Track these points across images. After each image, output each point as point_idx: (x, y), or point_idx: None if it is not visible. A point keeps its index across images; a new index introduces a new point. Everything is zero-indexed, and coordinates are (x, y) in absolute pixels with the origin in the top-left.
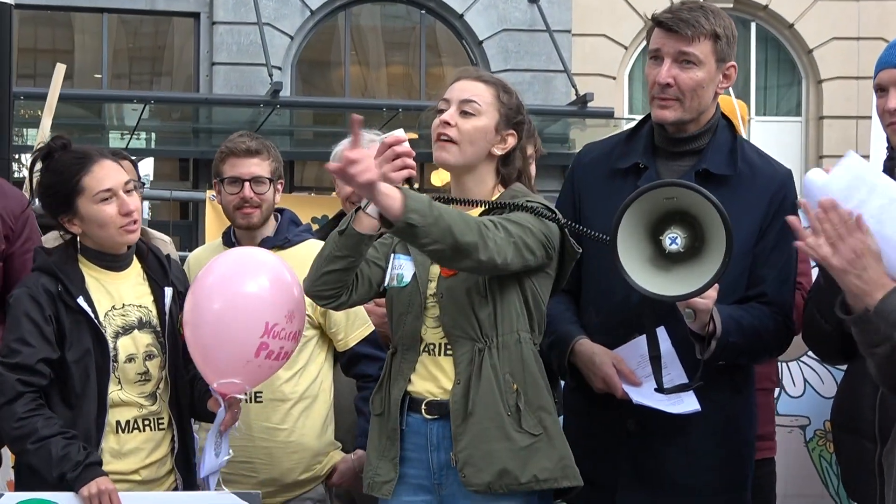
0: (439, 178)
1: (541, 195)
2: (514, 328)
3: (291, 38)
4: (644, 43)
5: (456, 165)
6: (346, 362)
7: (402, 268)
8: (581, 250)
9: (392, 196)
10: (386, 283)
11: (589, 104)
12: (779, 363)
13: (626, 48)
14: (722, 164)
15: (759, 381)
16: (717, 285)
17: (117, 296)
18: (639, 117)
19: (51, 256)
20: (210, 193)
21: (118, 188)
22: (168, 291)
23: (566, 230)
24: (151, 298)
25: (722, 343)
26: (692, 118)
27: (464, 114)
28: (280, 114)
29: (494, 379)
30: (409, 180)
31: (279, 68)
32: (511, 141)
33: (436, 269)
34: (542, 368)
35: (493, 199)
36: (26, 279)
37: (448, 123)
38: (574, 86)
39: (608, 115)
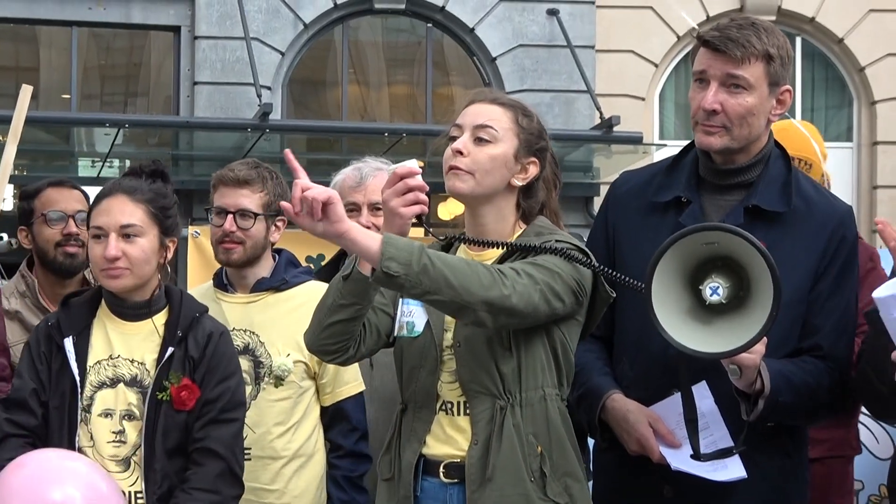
0: (447, 210)
1: (567, 231)
2: (540, 383)
3: (282, 54)
4: (676, 60)
5: (471, 196)
6: (328, 420)
7: (413, 315)
8: (615, 295)
9: (366, 243)
10: (395, 333)
11: (615, 128)
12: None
13: (656, 66)
14: (774, 199)
15: (838, 448)
16: (765, 339)
17: (118, 346)
18: (670, 143)
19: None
20: (192, 230)
21: (111, 228)
22: (169, 351)
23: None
24: (154, 357)
25: (770, 403)
26: (740, 147)
27: (479, 141)
28: (270, 139)
29: (517, 440)
30: (420, 217)
31: (269, 88)
32: (533, 170)
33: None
34: (571, 429)
35: (515, 237)
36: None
37: (460, 153)
38: (598, 108)
39: (636, 140)
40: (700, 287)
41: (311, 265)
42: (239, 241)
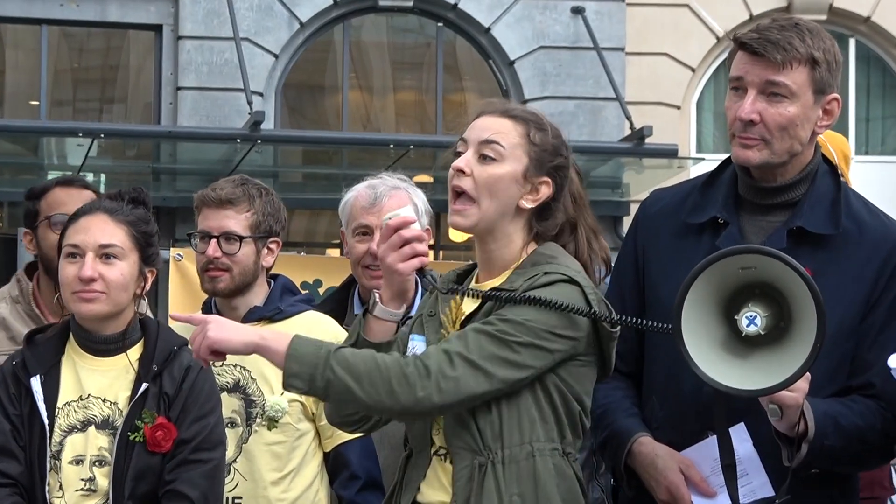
0: (458, 233)
1: (576, 261)
2: (527, 438)
3: (276, 56)
4: (716, 64)
5: (474, 227)
6: (330, 468)
7: (416, 350)
8: (617, 332)
9: (274, 359)
10: None
11: (647, 140)
12: (892, 467)
13: (693, 70)
14: (821, 220)
15: (868, 489)
16: (808, 375)
17: (88, 385)
18: (709, 157)
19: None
20: (175, 252)
21: (88, 247)
22: (143, 387)
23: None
24: (128, 395)
25: (815, 447)
26: (782, 162)
27: (483, 158)
28: (261, 151)
29: (498, 502)
30: (422, 270)
31: (260, 94)
32: (545, 191)
33: None
34: (573, 487)
35: (517, 265)
36: None
37: (462, 172)
38: (628, 117)
39: (671, 153)
40: (735, 317)
41: (308, 292)
42: (225, 267)
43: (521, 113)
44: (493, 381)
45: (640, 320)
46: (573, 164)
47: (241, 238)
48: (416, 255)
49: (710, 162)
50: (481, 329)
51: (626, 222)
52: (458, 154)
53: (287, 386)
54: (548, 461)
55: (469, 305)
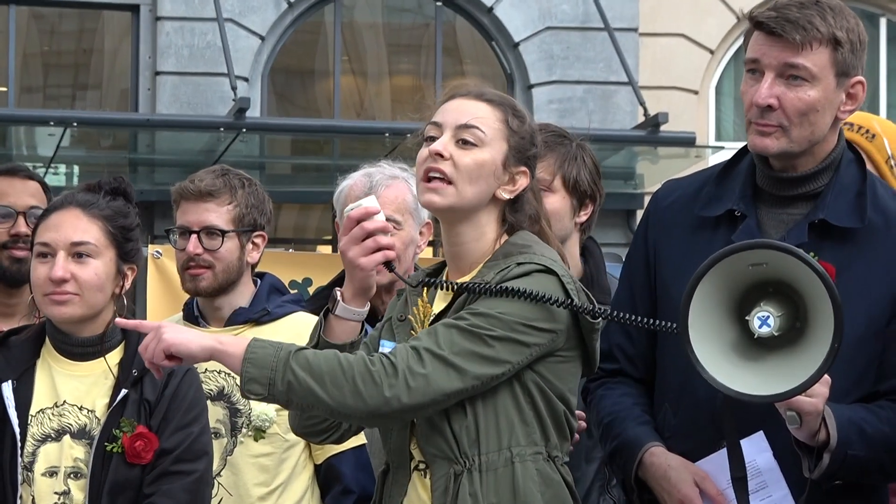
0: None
1: (553, 249)
2: (506, 443)
3: (262, 38)
4: (735, 46)
5: (449, 210)
6: (321, 481)
7: None
8: (599, 325)
9: (231, 362)
10: None
11: (662, 127)
12: None
13: (711, 52)
14: (845, 212)
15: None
16: (828, 379)
17: (64, 392)
18: (729, 145)
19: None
20: (153, 249)
21: (59, 245)
22: (122, 393)
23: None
24: (106, 402)
25: (838, 457)
26: (802, 151)
27: (462, 143)
28: (247, 140)
29: None
30: (389, 263)
31: (245, 79)
32: (522, 181)
33: None
34: (560, 493)
35: (492, 254)
36: None
37: (441, 155)
38: (642, 103)
39: (688, 142)
40: (747, 317)
41: (297, 291)
42: (207, 264)
43: (497, 98)
44: (465, 379)
45: (631, 317)
46: (590, 155)
47: (223, 232)
48: (379, 248)
49: (730, 151)
50: (452, 324)
51: (640, 216)
52: (430, 139)
53: (245, 392)
54: (529, 467)
55: (439, 304)
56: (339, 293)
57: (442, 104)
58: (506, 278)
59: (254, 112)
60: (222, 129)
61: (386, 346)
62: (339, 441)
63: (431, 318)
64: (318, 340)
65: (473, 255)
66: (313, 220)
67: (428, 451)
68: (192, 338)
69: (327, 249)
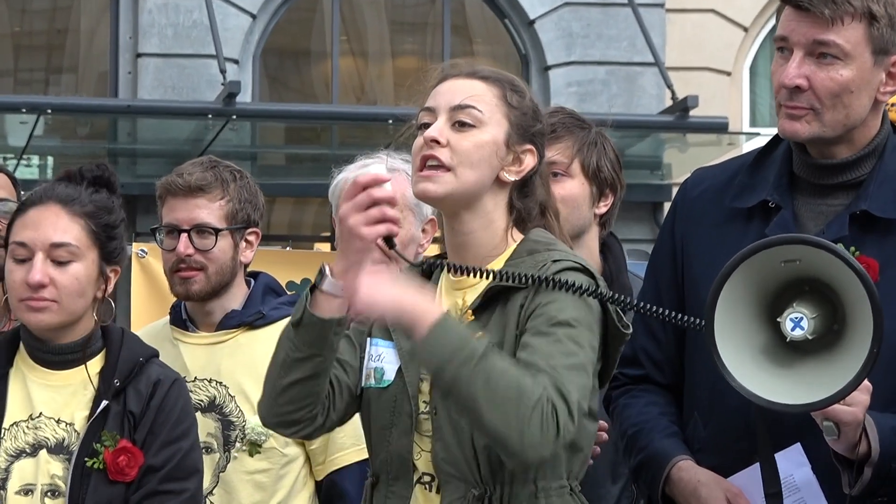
0: None
1: (567, 245)
2: (531, 475)
3: (254, 17)
4: (772, 22)
5: (447, 197)
6: (323, 499)
7: (383, 359)
8: (630, 330)
9: (415, 318)
10: (362, 382)
11: (691, 112)
12: None
13: (745, 30)
14: (890, 202)
15: None
16: (868, 385)
17: (40, 403)
18: (764, 131)
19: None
20: (137, 248)
21: (38, 247)
22: (103, 404)
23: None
24: (86, 414)
25: (881, 470)
26: (837, 136)
27: (459, 126)
28: (237, 128)
29: None
30: (389, 239)
31: (236, 62)
32: (530, 160)
33: None
34: None
35: (508, 252)
36: None
37: (437, 142)
38: (669, 85)
39: (720, 127)
40: (779, 319)
41: (295, 293)
42: (199, 266)
43: (492, 73)
44: (585, 393)
45: (662, 310)
46: (611, 145)
47: (216, 231)
48: (384, 219)
49: (766, 137)
50: (551, 340)
51: (667, 208)
52: (424, 126)
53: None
54: (557, 502)
55: (448, 298)
56: (326, 267)
57: (433, 88)
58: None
59: (244, 97)
60: (210, 115)
61: (381, 346)
62: (308, 437)
63: (465, 310)
64: (304, 314)
65: (483, 247)
66: (309, 215)
67: (444, 468)
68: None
69: (325, 247)
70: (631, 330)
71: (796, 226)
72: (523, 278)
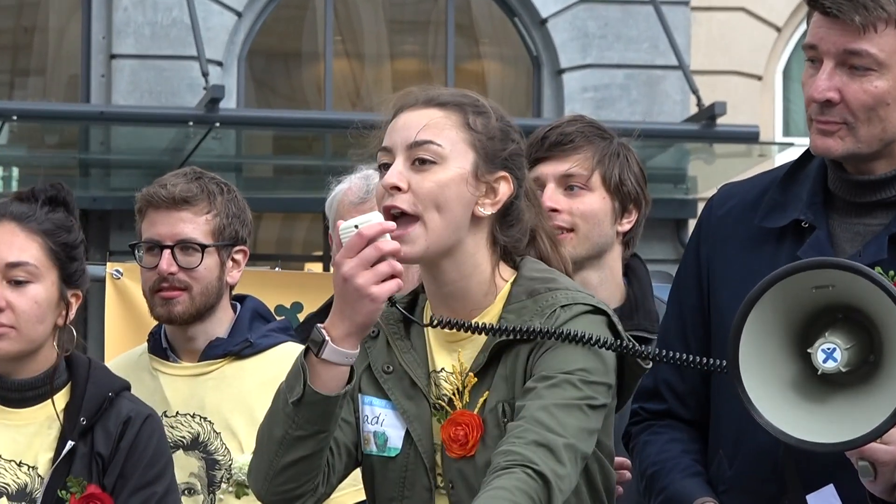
0: None
1: (564, 269)
2: None
3: (239, 15)
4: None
5: (424, 254)
6: None
7: (382, 421)
8: (650, 365)
9: None
10: (362, 447)
11: (719, 120)
12: None
13: (778, 30)
14: None
15: None
16: None
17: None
18: (799, 142)
19: None
20: (112, 268)
21: None
22: (68, 446)
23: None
24: (51, 456)
25: None
26: (874, 151)
27: (420, 164)
28: (220, 136)
29: None
30: (390, 299)
31: (219, 64)
32: (504, 189)
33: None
34: None
35: (502, 295)
36: None
37: (397, 188)
38: (695, 91)
39: (750, 137)
40: (809, 350)
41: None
42: (182, 285)
43: (451, 98)
44: (582, 463)
45: (681, 355)
46: (636, 157)
47: (202, 247)
48: (393, 275)
49: (801, 148)
50: (565, 401)
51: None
52: (385, 167)
53: None
54: None
55: (444, 355)
56: (324, 331)
57: (388, 124)
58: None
59: (229, 103)
60: (191, 123)
61: (377, 406)
62: None
63: (466, 373)
64: (304, 391)
65: (471, 295)
66: (300, 232)
67: None
68: None
69: (318, 267)
70: (650, 365)
71: (831, 247)
72: (531, 333)
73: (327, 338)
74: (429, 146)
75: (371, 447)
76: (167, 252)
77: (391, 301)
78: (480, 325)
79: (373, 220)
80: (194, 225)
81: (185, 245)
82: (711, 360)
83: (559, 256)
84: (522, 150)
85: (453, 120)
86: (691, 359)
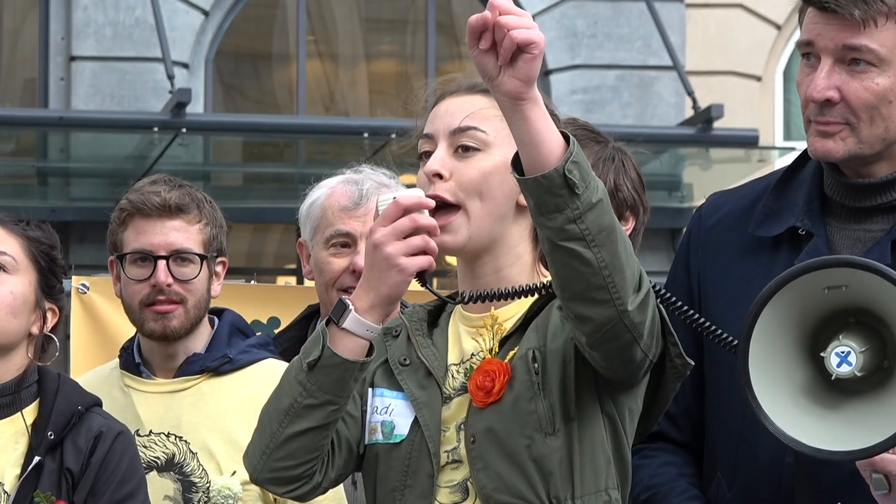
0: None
1: None
2: (603, 484)
3: (206, 14)
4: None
5: (467, 245)
6: None
7: (392, 411)
8: (693, 363)
9: (547, 129)
10: (366, 439)
11: (716, 124)
12: None
13: (778, 28)
14: None
15: None
16: None
17: None
18: (800, 145)
19: None
20: (77, 281)
21: None
22: (35, 461)
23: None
24: (17, 472)
25: None
26: (876, 152)
27: (462, 151)
28: (187, 143)
29: None
30: (421, 276)
31: (185, 66)
32: None
33: (456, 409)
34: None
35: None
36: None
37: (439, 175)
38: (690, 92)
39: (749, 141)
40: (822, 354)
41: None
42: (178, 298)
43: None
44: (652, 332)
45: (709, 325)
46: (633, 162)
47: (201, 258)
48: (426, 251)
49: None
50: None
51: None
52: (424, 155)
53: (565, 171)
54: None
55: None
56: (347, 300)
57: (430, 110)
58: None
59: (196, 107)
60: (156, 128)
61: (389, 397)
62: (301, 499)
63: (503, 336)
64: (322, 354)
65: (513, 285)
66: (271, 244)
67: (496, 498)
68: None
69: (292, 280)
70: (693, 363)
71: (830, 254)
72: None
73: (351, 307)
74: (473, 132)
75: (377, 436)
76: (162, 263)
77: (422, 281)
78: (510, 289)
79: (413, 192)
80: (188, 234)
81: (181, 256)
82: (728, 336)
83: None
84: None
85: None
86: (709, 326)
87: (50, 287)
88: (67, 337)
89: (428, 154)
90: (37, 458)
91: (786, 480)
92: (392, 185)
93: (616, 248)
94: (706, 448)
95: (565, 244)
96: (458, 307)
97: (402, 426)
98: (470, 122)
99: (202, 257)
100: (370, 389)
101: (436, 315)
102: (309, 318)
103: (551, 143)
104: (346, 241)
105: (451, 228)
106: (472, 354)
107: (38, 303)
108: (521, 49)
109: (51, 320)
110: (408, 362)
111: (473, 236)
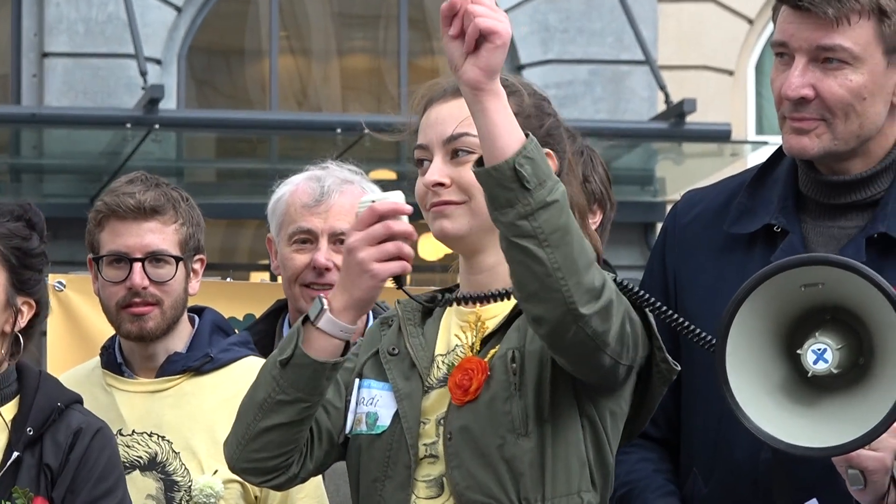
0: (433, 246)
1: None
2: (575, 487)
3: (179, 10)
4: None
5: (468, 234)
6: None
7: (377, 402)
8: (678, 368)
9: (506, 124)
10: (348, 430)
11: (688, 118)
12: None
13: (750, 23)
14: None
15: None
16: None
17: None
18: (774, 140)
19: None
20: (54, 279)
21: None
22: (13, 456)
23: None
24: None
25: None
26: (850, 149)
27: (458, 155)
28: (160, 139)
29: None
30: (398, 279)
31: (158, 62)
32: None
33: (437, 400)
34: None
35: None
36: None
37: (441, 185)
38: (663, 87)
39: (721, 136)
40: (798, 351)
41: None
42: (154, 300)
43: None
44: (619, 336)
45: (691, 326)
46: (600, 160)
47: (177, 259)
48: (400, 256)
49: (775, 147)
50: None
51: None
52: (420, 163)
53: (516, 165)
54: None
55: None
56: (325, 300)
57: (420, 116)
58: None
59: (169, 103)
60: (129, 125)
61: (375, 388)
62: (278, 487)
63: (485, 335)
64: (294, 352)
65: (509, 281)
66: (245, 240)
67: (468, 497)
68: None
69: (265, 276)
70: (678, 368)
71: (805, 252)
72: None
73: (326, 307)
74: (465, 139)
75: (361, 427)
76: (138, 265)
77: (398, 284)
78: (495, 291)
79: (391, 198)
80: (163, 236)
81: (157, 257)
82: (705, 335)
83: (588, 233)
84: (560, 122)
85: None
86: (687, 325)
87: (22, 282)
88: (44, 334)
89: (421, 161)
90: (15, 454)
91: (763, 477)
92: (357, 180)
93: (571, 250)
94: (682, 444)
95: (518, 241)
96: (453, 308)
97: (385, 417)
98: (462, 128)
99: (178, 259)
100: (357, 380)
101: (428, 313)
102: (277, 312)
103: (509, 137)
104: (308, 238)
105: (452, 215)
106: (456, 346)
107: (10, 301)
108: (484, 37)
109: (26, 314)
110: (396, 352)
111: (474, 226)
